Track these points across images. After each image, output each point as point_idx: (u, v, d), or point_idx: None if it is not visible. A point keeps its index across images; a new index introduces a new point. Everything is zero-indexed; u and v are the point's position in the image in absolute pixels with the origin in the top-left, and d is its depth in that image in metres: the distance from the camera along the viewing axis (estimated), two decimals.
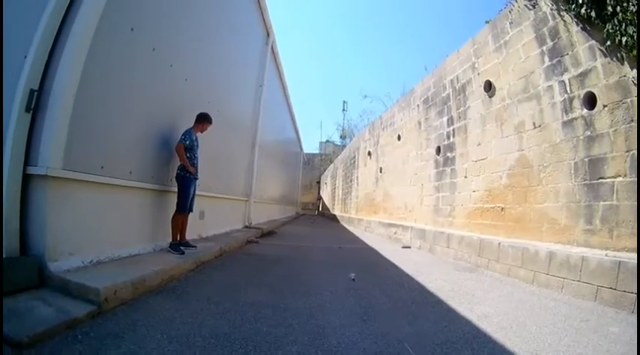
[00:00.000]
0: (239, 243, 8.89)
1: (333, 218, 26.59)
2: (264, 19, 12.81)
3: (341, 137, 46.77)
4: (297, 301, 4.63)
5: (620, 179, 4.82)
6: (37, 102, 3.98)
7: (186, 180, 6.23)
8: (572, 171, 5.60)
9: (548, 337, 3.69)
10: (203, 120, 6.63)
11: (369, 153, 17.85)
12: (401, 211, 13.01)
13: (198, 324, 3.53)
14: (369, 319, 4.14)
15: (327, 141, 48.64)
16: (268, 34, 13.58)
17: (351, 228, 18.71)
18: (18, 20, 4.20)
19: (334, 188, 30.57)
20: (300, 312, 4.18)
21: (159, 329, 3.31)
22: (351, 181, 22.75)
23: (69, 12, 4.19)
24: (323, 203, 36.82)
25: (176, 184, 6.26)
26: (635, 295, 4.08)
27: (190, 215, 6.60)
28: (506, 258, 6.44)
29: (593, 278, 4.73)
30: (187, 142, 6.21)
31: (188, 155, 6.25)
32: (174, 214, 6.21)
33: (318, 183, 41.42)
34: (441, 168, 9.97)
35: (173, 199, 6.27)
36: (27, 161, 3.92)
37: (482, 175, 7.94)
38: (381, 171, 15.82)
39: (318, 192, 40.49)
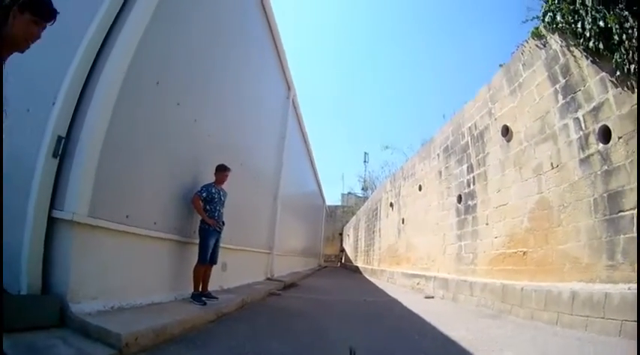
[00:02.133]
0: (261, 295, 8.77)
1: (356, 270, 26.25)
2: (285, 75, 13.31)
3: (362, 189, 46.91)
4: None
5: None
6: (64, 149, 4.18)
7: (205, 232, 6.33)
8: (592, 208, 5.50)
9: None
10: (220, 170, 6.74)
11: (391, 205, 17.84)
12: (423, 261, 12.83)
13: None
14: None
15: (349, 193, 48.80)
16: (289, 89, 14.07)
17: (373, 280, 18.45)
18: (46, 68, 4.49)
19: (357, 240, 30.33)
20: None
21: None
22: (373, 233, 22.60)
23: (96, 63, 4.45)
24: (345, 255, 36.42)
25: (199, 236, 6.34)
26: None
27: (213, 267, 6.62)
28: (530, 302, 6.25)
29: (616, 313, 4.52)
30: (204, 194, 6.36)
31: (208, 207, 6.38)
32: (195, 265, 6.26)
33: (341, 234, 41.16)
34: (462, 217, 9.90)
35: (195, 250, 6.33)
36: (53, 204, 4.07)
37: (503, 221, 7.84)
38: (403, 222, 15.71)
39: (341, 244, 40.17)
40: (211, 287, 6.89)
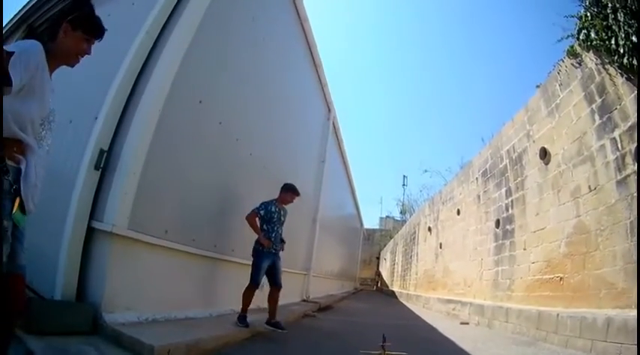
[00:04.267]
0: (296, 316, 8.79)
1: (392, 294, 25.94)
2: (325, 96, 13.46)
3: (401, 212, 46.38)
4: None
5: None
6: (106, 162, 4.38)
7: (258, 253, 6.05)
8: (628, 231, 5.30)
9: None
10: (289, 190, 6.55)
11: (429, 229, 17.62)
12: (460, 287, 12.58)
13: None
14: None
15: (387, 216, 48.36)
16: (329, 110, 14.18)
17: (409, 305, 18.22)
18: (90, 81, 4.77)
19: (393, 264, 29.96)
20: None
21: None
22: (410, 257, 22.29)
23: (140, 77, 4.67)
24: (382, 278, 35.98)
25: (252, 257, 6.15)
26: None
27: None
28: (565, 329, 6.07)
29: None
30: (262, 212, 6.11)
31: (265, 227, 6.13)
32: (246, 287, 6.04)
33: (378, 258, 40.76)
34: (500, 242, 9.70)
35: (232, 268, 6.49)
36: (92, 215, 4.26)
37: (540, 246, 7.65)
38: (440, 247, 15.49)
39: (377, 268, 39.73)
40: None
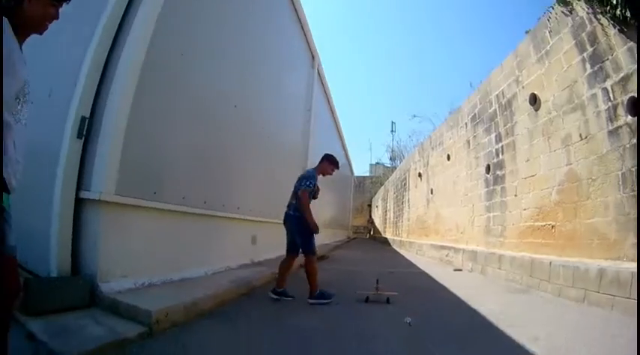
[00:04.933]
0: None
1: (385, 241, 26.31)
2: (308, 43, 13.01)
3: (390, 158, 46.44)
4: (347, 327, 4.63)
5: None
6: (89, 129, 4.20)
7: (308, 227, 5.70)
8: (621, 183, 5.32)
9: None
10: (331, 162, 6.17)
11: (420, 175, 17.68)
12: (452, 233, 12.79)
13: (250, 348, 3.57)
14: (419, 344, 4.12)
15: (377, 163, 48.38)
16: (313, 57, 13.76)
17: (402, 252, 18.48)
18: (66, 48, 4.52)
19: (385, 211, 30.34)
20: (350, 337, 4.18)
21: (211, 352, 3.35)
22: (402, 203, 22.56)
23: (118, 37, 4.43)
24: (374, 226, 36.44)
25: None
26: None
27: (243, 239, 6.69)
28: (557, 278, 6.16)
29: None
30: (312, 186, 5.68)
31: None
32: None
33: (369, 206, 41.09)
34: (491, 187, 9.75)
35: (224, 224, 6.47)
36: (80, 185, 4.13)
37: (532, 192, 7.70)
38: (431, 193, 15.60)
39: (369, 215, 40.15)
40: (242, 260, 7.08)
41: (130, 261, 4.48)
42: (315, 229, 5.76)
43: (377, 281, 6.30)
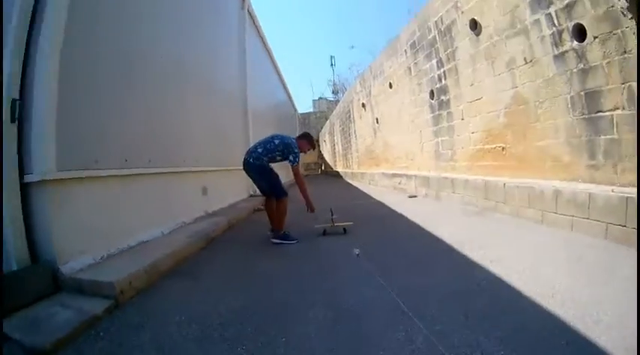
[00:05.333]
0: (246, 213, 8.98)
1: (336, 175, 26.54)
2: None
3: (333, 92, 46.23)
4: (309, 266, 4.70)
5: (618, 112, 4.59)
6: (21, 111, 3.89)
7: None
8: (570, 106, 5.42)
9: (564, 279, 3.66)
10: (310, 141, 6.36)
11: (363, 105, 17.61)
12: (402, 160, 13.00)
13: (215, 302, 3.58)
14: (381, 273, 4.19)
15: (320, 98, 47.93)
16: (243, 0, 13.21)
17: (355, 183, 18.69)
18: None
19: (333, 145, 30.40)
20: (314, 275, 4.31)
21: (177, 312, 3.35)
22: (349, 135, 22.63)
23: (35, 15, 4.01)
24: (325, 161, 36.56)
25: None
26: None
27: (194, 192, 6.73)
28: (513, 199, 6.43)
29: (601, 215, 4.61)
30: (299, 160, 5.88)
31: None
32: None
33: (317, 141, 41.01)
34: (437, 113, 9.84)
35: (172, 180, 6.32)
36: (22, 171, 3.85)
37: (479, 116, 7.83)
38: (377, 122, 15.64)
39: (319, 151, 40.17)
40: (196, 214, 7.04)
41: (85, 236, 4.29)
42: (313, 210, 6.08)
43: (331, 213, 6.51)
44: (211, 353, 2.70)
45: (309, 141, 6.30)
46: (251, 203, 10.31)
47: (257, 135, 13.41)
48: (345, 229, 6.34)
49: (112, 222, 4.79)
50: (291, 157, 5.79)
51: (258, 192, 12.22)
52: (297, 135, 6.42)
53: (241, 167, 5.99)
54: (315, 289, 3.87)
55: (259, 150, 5.84)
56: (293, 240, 5.85)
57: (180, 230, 6.17)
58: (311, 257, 5.13)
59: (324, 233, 6.23)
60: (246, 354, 2.68)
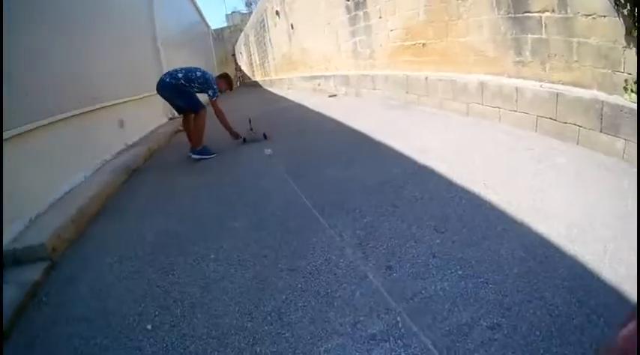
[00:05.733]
0: (167, 138, 8.38)
1: (255, 84, 25.31)
2: None
3: (246, 5, 43.27)
4: (230, 177, 4.52)
5: (547, 14, 4.08)
6: None
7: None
8: (495, 5, 4.84)
9: (494, 166, 3.48)
10: (229, 81, 6.29)
11: (277, 13, 16.14)
12: (320, 63, 12.27)
13: (142, 233, 3.34)
14: (303, 172, 4.10)
15: (233, 12, 44.60)
16: None
17: (274, 90, 17.91)
18: None
19: (250, 56, 28.54)
20: (234, 188, 4.12)
21: (107, 254, 3.06)
22: (264, 45, 21.14)
23: None
24: (243, 73, 34.88)
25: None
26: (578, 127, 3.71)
27: (111, 127, 6.28)
28: (436, 92, 6.09)
29: (531, 108, 4.30)
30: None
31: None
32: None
33: (233, 55, 38.60)
34: (353, 13, 9.03)
35: (87, 119, 5.54)
36: None
37: (397, 14, 7.16)
38: (292, 28, 14.45)
39: (236, 64, 38.08)
40: (116, 148, 6.41)
41: (12, 201, 3.50)
42: (238, 135, 6.07)
43: (249, 121, 6.35)
44: (142, 286, 2.51)
45: (227, 81, 6.20)
46: (171, 126, 9.58)
47: (170, 58, 12.33)
48: (265, 135, 6.16)
49: (33, 181, 4.02)
50: (210, 92, 5.66)
51: (177, 114, 11.34)
52: (218, 74, 6.28)
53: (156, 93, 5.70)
54: (237, 200, 3.72)
55: (180, 75, 5.63)
56: (212, 154, 5.73)
57: (102, 169, 5.53)
58: (231, 169, 4.91)
59: (244, 141, 6.06)
60: (176, 279, 2.52)
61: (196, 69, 5.80)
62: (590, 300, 1.73)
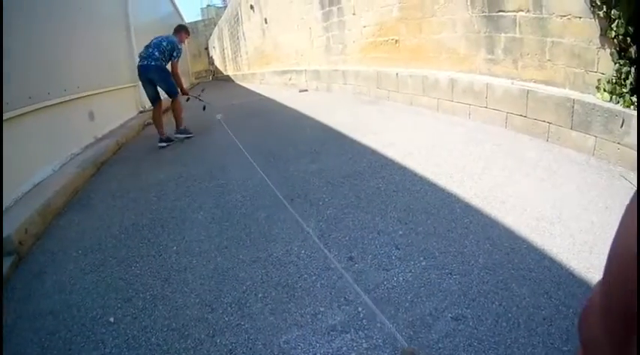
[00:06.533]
0: (136, 130, 8.08)
1: (227, 79, 24.89)
2: None
3: None
4: (197, 168, 4.42)
5: (522, 13, 4.07)
6: None
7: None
8: (469, 3, 4.78)
9: (462, 161, 3.42)
10: (186, 32, 6.48)
11: (252, 7, 15.79)
12: (292, 57, 12.07)
13: (107, 226, 3.25)
14: (272, 164, 4.04)
15: (209, 5, 43.75)
16: None
17: (245, 84, 17.64)
18: None
19: (223, 49, 27.98)
20: (201, 178, 4.05)
21: (73, 247, 2.96)
22: (237, 39, 20.71)
23: None
24: (216, 67, 34.25)
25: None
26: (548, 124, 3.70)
27: (81, 119, 6.09)
28: (407, 88, 6.02)
29: (501, 105, 4.27)
30: (180, 55, 5.97)
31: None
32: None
33: (207, 49, 37.84)
34: (327, 9, 8.90)
35: (56, 112, 5.23)
36: None
37: (371, 11, 7.06)
38: (266, 22, 14.17)
39: (209, 58, 37.38)
40: (85, 141, 6.13)
41: None
42: (188, 94, 6.32)
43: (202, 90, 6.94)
44: (105, 279, 2.45)
45: (185, 30, 6.44)
46: (141, 119, 9.18)
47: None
48: (204, 107, 6.67)
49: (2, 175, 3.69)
50: (174, 53, 5.82)
51: (147, 106, 10.87)
52: (173, 31, 6.38)
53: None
54: (203, 192, 3.65)
55: (156, 53, 5.70)
56: (191, 134, 6.16)
57: (71, 162, 5.28)
58: (199, 160, 4.82)
59: (204, 109, 6.65)
60: (138, 271, 2.46)
61: (161, 40, 5.86)
62: (558, 291, 1.67)
